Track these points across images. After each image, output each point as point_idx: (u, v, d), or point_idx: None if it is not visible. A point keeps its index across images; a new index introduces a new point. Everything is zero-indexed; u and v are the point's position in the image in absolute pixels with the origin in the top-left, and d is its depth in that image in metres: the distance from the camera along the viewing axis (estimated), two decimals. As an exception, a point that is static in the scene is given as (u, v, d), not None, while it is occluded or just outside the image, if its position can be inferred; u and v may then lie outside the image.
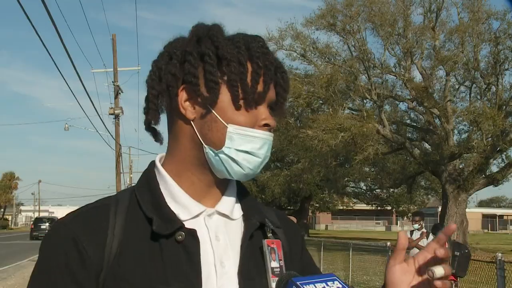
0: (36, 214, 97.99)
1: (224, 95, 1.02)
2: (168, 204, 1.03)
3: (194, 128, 1.04)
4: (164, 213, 1.01)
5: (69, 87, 15.49)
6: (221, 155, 1.03)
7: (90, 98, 18.09)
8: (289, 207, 45.19)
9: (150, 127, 1.11)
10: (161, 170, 1.07)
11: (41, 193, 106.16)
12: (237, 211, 1.10)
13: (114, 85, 25.42)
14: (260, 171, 1.07)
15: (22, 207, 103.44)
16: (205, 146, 1.03)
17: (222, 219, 1.07)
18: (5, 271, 17.26)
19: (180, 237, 0.99)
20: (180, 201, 1.04)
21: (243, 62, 1.02)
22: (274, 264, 1.06)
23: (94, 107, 46.44)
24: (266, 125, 1.05)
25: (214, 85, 1.01)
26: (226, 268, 1.02)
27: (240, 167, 1.04)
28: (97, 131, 25.77)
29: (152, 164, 1.11)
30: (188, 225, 1.02)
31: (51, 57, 26.67)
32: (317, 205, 47.20)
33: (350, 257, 14.03)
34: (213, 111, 1.02)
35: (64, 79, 15.51)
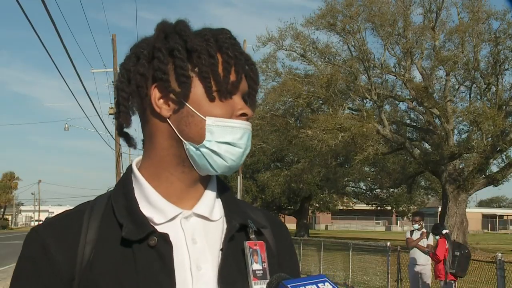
0: (36, 214, 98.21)
1: (197, 88, 1.01)
2: (142, 208, 1.02)
3: (171, 125, 1.02)
4: (135, 218, 0.99)
5: (69, 87, 15.62)
6: (203, 149, 1.01)
7: (90, 98, 18.12)
8: (289, 207, 45.20)
9: (123, 132, 1.10)
10: (137, 174, 1.06)
11: (41, 193, 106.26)
12: (218, 212, 1.07)
13: (114, 85, 25.41)
14: (243, 162, 1.06)
15: (22, 207, 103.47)
16: (185, 142, 1.02)
17: (200, 221, 1.05)
18: (5, 271, 17.26)
19: (152, 241, 0.97)
20: (156, 205, 1.02)
21: (213, 54, 1.00)
22: (257, 266, 1.02)
23: (94, 107, 46.56)
24: (243, 114, 1.04)
25: (185, 79, 1.00)
26: (203, 271, 1.00)
27: (223, 159, 1.02)
28: (97, 131, 25.78)
29: (129, 168, 1.09)
30: (163, 228, 1.00)
31: (51, 57, 26.66)
32: (317, 205, 47.18)
33: (350, 257, 14.02)
34: (188, 105, 1.00)
35: (64, 79, 15.51)
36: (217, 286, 0.99)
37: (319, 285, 0.96)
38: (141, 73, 1.02)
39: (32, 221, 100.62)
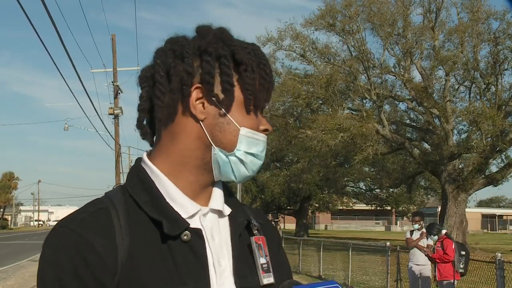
0: (36, 214, 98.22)
1: (237, 98, 1.04)
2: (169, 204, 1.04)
3: (203, 128, 1.03)
4: (169, 213, 1.00)
5: (69, 87, 15.55)
6: (231, 157, 1.04)
7: (89, 98, 18.11)
8: (288, 207, 45.21)
9: (143, 125, 1.09)
10: (153, 168, 1.05)
11: (41, 193, 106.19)
12: (227, 208, 1.11)
13: (113, 85, 25.41)
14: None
15: (21, 207, 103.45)
16: (215, 147, 1.03)
17: (215, 218, 1.07)
18: (5, 271, 17.26)
19: (186, 237, 0.99)
20: (177, 201, 1.03)
21: (256, 69, 1.05)
22: (262, 260, 1.08)
23: (94, 107, 46.53)
24: (265, 130, 1.09)
25: (230, 88, 1.02)
26: (223, 266, 1.03)
27: (246, 169, 1.06)
28: (96, 131, 25.81)
29: (140, 161, 1.08)
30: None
31: (51, 57, 26.63)
32: (317, 205, 47.20)
33: (350, 257, 14.02)
34: (226, 112, 1.03)
35: (64, 79, 15.52)
36: (233, 280, 1.02)
37: None
38: (189, 72, 1.02)
39: (32, 221, 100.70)
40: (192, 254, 0.99)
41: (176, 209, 1.02)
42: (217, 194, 1.10)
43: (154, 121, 1.07)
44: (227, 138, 1.03)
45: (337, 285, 0.99)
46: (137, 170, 1.07)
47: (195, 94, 1.02)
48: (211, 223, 1.06)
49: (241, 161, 1.04)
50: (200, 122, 1.03)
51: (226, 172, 1.05)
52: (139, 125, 1.09)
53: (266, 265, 1.07)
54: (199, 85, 1.02)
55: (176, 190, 1.04)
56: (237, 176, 1.06)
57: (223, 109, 1.03)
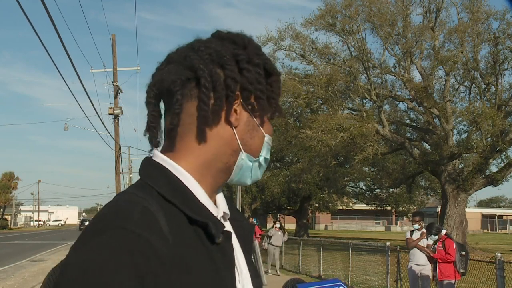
0: (36, 214, 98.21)
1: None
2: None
3: (236, 134, 1.05)
4: (210, 216, 1.00)
5: (69, 88, 15.29)
6: (255, 163, 1.08)
7: (89, 98, 18.03)
8: (288, 207, 45.20)
9: (173, 128, 1.06)
10: (179, 168, 1.03)
11: (41, 193, 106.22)
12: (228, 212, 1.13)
13: (113, 85, 25.42)
14: None
15: (21, 207, 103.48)
16: (243, 153, 1.06)
17: (228, 221, 1.11)
18: (4, 271, 17.26)
19: (220, 239, 1.00)
20: (206, 203, 1.03)
21: (280, 80, 1.12)
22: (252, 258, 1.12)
23: (94, 107, 46.48)
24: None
25: (263, 96, 1.06)
26: (242, 268, 1.05)
27: (260, 173, 1.11)
28: (96, 131, 25.81)
29: (155, 160, 1.05)
30: None
31: (51, 57, 26.65)
32: (317, 205, 47.20)
33: (350, 257, 14.02)
34: (255, 120, 1.07)
35: (64, 79, 15.52)
36: (250, 280, 1.06)
37: None
38: (236, 80, 1.03)
39: (32, 221, 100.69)
40: (223, 256, 0.99)
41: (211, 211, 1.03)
42: (221, 197, 1.12)
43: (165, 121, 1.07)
44: (255, 144, 1.07)
45: (340, 282, 0.99)
46: (160, 169, 1.03)
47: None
48: (229, 226, 1.09)
49: (260, 165, 1.10)
50: (234, 128, 1.04)
51: (244, 176, 1.08)
52: (171, 130, 1.05)
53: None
54: (238, 92, 1.04)
55: (203, 192, 1.03)
56: (252, 179, 1.10)
57: (255, 117, 1.07)
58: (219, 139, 1.04)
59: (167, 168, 1.03)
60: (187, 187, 1.01)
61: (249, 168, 1.08)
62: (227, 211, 1.10)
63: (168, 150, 1.05)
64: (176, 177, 1.02)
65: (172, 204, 0.98)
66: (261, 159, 1.09)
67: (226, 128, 1.04)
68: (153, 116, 1.05)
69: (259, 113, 1.07)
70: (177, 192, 1.00)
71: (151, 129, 1.06)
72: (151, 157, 1.06)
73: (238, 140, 1.04)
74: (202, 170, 1.04)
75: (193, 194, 1.01)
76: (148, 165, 1.05)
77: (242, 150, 1.05)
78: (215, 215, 1.03)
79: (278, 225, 17.11)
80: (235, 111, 1.04)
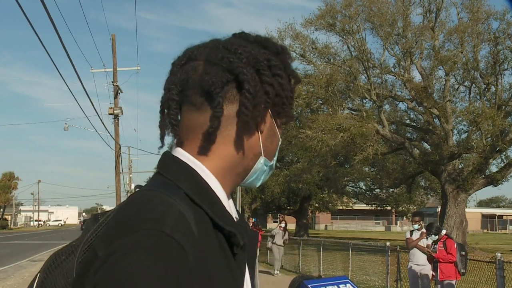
0: (36, 214, 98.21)
1: None
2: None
3: (260, 139, 1.05)
4: (236, 224, 0.99)
5: (69, 88, 15.23)
6: (268, 167, 1.09)
7: (89, 98, 18.01)
8: (288, 207, 45.20)
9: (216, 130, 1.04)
10: (208, 172, 1.01)
11: (41, 193, 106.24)
12: None
13: (113, 85, 25.42)
14: None
15: (21, 207, 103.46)
16: (262, 157, 1.06)
17: None
18: (4, 271, 17.25)
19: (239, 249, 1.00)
20: (228, 208, 1.02)
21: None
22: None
23: (94, 107, 46.47)
24: None
25: (286, 102, 1.08)
26: (247, 278, 1.05)
27: (268, 176, 1.12)
28: (96, 131, 25.81)
29: (184, 159, 1.01)
30: None
31: (51, 58, 26.61)
32: (317, 205, 47.19)
33: (350, 257, 14.03)
34: (276, 126, 1.09)
35: (64, 79, 15.51)
36: (251, 285, 1.06)
37: (341, 286, 0.97)
38: (274, 87, 1.04)
39: (32, 221, 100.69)
40: (238, 266, 0.98)
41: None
42: (231, 201, 1.11)
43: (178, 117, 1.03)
44: (273, 148, 1.09)
45: (347, 280, 0.99)
46: (186, 169, 1.00)
47: None
48: None
49: (272, 169, 1.11)
50: (259, 133, 1.05)
51: (257, 179, 1.09)
52: (211, 133, 1.01)
53: None
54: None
55: (225, 196, 1.02)
56: (261, 182, 1.11)
57: (277, 122, 1.08)
58: (246, 143, 1.03)
59: (193, 169, 1.00)
60: (213, 191, 0.99)
61: (263, 172, 1.08)
62: (237, 216, 1.07)
63: (191, 149, 1.02)
64: (203, 179, 0.99)
65: (200, 207, 0.95)
66: (273, 163, 1.11)
67: (253, 132, 1.04)
68: (176, 114, 1.02)
69: (281, 120, 1.09)
70: (205, 196, 0.97)
71: (174, 127, 1.02)
72: (171, 153, 1.03)
73: (262, 146, 1.05)
74: (224, 173, 1.03)
75: (218, 198, 0.99)
76: (172, 162, 1.01)
77: (263, 153, 1.06)
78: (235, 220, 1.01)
79: (283, 225, 17.08)
80: (264, 117, 1.04)
